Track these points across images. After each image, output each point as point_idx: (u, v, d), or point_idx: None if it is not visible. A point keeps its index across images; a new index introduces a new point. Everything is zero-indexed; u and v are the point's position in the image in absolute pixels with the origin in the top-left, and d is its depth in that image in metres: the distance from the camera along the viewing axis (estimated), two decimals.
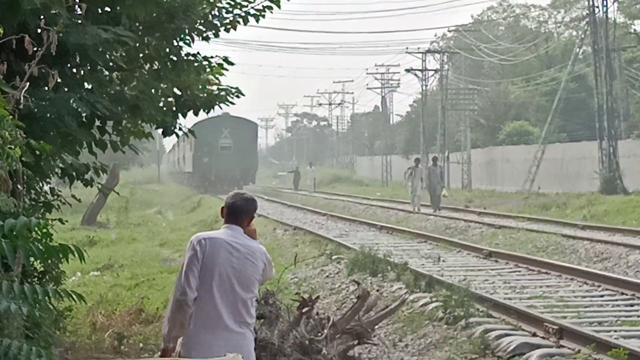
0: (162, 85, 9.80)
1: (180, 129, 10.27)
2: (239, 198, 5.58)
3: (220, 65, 10.03)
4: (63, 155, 9.04)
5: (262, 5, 9.77)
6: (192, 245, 5.36)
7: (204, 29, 9.67)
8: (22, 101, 5.96)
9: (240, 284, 5.34)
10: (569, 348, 9.41)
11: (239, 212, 5.51)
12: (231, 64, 10.07)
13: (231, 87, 10.31)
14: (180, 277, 5.37)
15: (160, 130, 10.38)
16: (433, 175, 32.54)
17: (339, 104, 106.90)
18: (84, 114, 8.42)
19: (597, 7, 40.01)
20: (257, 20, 9.80)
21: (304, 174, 61.17)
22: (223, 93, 10.27)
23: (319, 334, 8.71)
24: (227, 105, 10.38)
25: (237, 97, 10.41)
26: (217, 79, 10.19)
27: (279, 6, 9.79)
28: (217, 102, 10.25)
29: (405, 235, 22.95)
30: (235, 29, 9.84)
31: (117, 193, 14.66)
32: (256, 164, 62.49)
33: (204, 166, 58.71)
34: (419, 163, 35.36)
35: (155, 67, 9.71)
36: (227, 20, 9.78)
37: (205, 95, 10.16)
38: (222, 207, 5.59)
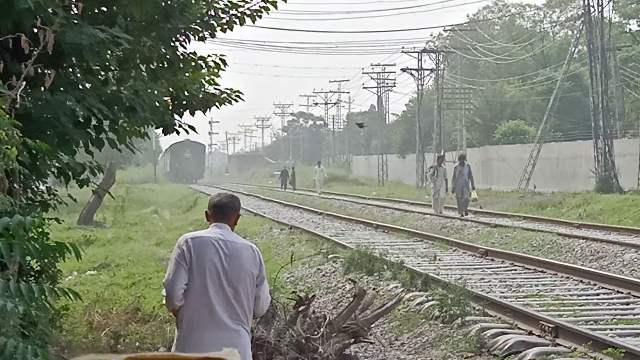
0: (158, 85, 9.79)
1: (180, 125, 10.28)
2: (224, 196, 5.63)
3: (217, 65, 10.03)
4: (59, 154, 9.03)
5: (259, 6, 9.76)
6: (179, 246, 5.37)
7: (200, 29, 9.67)
8: (18, 101, 5.96)
9: (229, 282, 5.32)
10: (565, 346, 9.42)
11: (225, 209, 5.53)
12: (225, 64, 10.07)
13: (232, 90, 10.31)
14: (167, 277, 5.38)
15: (157, 130, 10.40)
16: (460, 176, 28.72)
17: (335, 104, 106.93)
18: (79, 115, 8.42)
19: (593, 6, 40.07)
20: (254, 21, 9.80)
21: (309, 173, 61.43)
22: (224, 95, 10.28)
23: (315, 333, 8.72)
24: (226, 105, 10.39)
25: (236, 100, 10.42)
26: (213, 81, 10.20)
27: (275, 7, 9.78)
28: (215, 103, 10.25)
29: (401, 234, 22.95)
30: (231, 30, 9.84)
31: (112, 195, 14.65)
32: (204, 168, 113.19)
33: (176, 168, 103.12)
34: (443, 161, 31.83)
35: (152, 67, 9.71)
36: (224, 21, 9.78)
37: (202, 95, 10.16)
38: (206, 212, 5.58)
